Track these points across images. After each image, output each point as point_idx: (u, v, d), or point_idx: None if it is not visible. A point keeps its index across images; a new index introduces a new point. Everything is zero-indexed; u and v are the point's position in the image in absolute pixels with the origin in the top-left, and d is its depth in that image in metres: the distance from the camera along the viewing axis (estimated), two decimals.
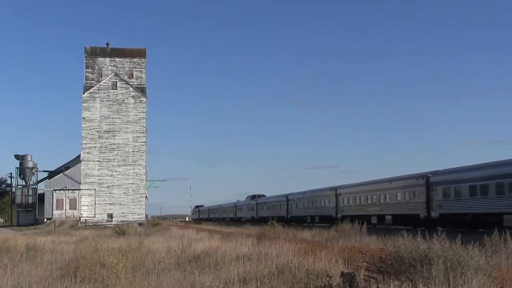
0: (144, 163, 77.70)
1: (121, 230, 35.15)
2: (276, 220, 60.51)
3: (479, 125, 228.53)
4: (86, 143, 76.59)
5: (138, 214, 76.53)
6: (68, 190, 75.06)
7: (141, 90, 78.39)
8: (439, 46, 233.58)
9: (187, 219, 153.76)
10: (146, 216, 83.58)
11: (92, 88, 77.22)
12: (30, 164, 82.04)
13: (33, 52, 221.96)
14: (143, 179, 77.93)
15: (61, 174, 76.90)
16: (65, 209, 74.49)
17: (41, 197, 77.19)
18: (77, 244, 24.60)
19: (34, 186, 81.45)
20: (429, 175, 39.55)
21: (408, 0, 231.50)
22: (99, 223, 70.77)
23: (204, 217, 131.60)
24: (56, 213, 73.96)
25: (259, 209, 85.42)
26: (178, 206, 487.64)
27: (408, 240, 10.50)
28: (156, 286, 11.73)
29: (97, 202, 76.11)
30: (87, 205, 75.84)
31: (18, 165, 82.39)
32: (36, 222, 75.68)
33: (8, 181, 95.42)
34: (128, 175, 76.87)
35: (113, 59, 78.71)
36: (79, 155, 77.27)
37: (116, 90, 77.64)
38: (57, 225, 63.40)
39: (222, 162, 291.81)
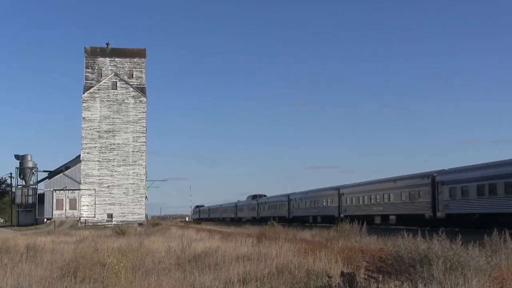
0: (144, 163, 77.70)
1: (121, 230, 35.12)
2: (278, 220, 60.19)
3: (479, 125, 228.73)
4: (86, 143, 76.60)
5: (138, 214, 76.52)
6: (68, 190, 75.06)
7: (141, 90, 78.40)
8: (439, 46, 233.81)
9: (187, 219, 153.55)
10: (146, 216, 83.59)
11: (92, 88, 77.22)
12: (30, 164, 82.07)
13: (33, 52, 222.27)
14: (143, 179, 77.92)
15: (61, 174, 76.90)
16: (65, 209, 74.47)
17: (41, 197, 77.16)
18: (77, 244, 24.58)
19: (34, 186, 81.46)
20: (434, 175, 38.82)
21: (408, 0, 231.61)
22: (99, 223, 70.70)
23: (204, 217, 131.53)
24: (56, 213, 73.95)
25: (260, 209, 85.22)
26: (178, 206, 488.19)
27: (408, 240, 10.49)
28: (156, 286, 11.71)
29: (97, 202, 76.10)
30: (87, 205, 75.83)
31: (18, 165, 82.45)
32: (36, 222, 75.67)
33: (8, 181, 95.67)
34: (128, 175, 76.87)
35: (113, 59, 78.72)
36: (79, 155, 77.26)
37: (116, 90, 77.65)
38: (57, 225, 63.40)
39: (222, 162, 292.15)
